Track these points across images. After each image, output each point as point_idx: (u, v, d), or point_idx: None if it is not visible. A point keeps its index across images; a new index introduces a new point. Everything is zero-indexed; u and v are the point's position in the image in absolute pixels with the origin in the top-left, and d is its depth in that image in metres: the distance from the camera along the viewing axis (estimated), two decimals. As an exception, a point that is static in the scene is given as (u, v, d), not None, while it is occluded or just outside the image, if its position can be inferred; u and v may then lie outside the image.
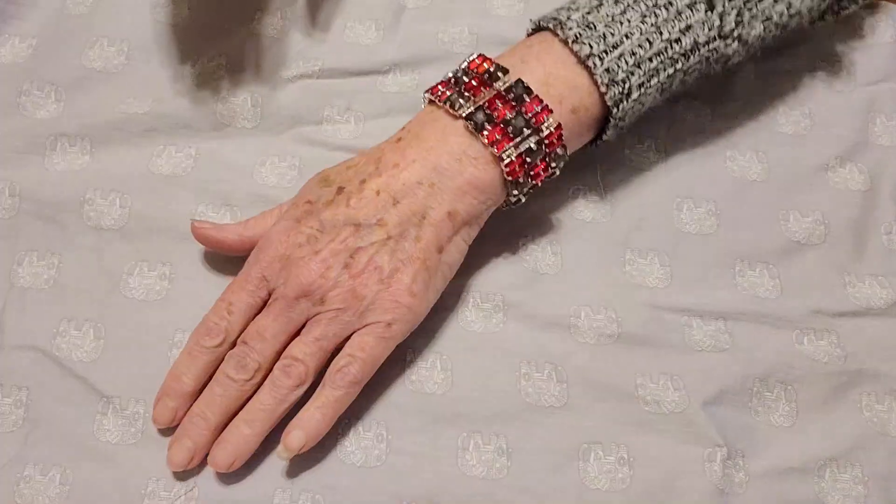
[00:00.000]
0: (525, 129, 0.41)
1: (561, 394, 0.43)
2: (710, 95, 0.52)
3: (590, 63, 0.42)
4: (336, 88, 0.51)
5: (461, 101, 0.41)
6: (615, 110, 0.43)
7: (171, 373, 0.40)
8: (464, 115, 0.41)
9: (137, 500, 0.39)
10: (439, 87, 0.43)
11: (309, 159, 0.49)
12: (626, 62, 0.42)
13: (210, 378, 0.40)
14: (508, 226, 0.47)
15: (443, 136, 0.41)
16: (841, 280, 0.47)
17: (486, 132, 0.41)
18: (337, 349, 0.40)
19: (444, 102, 0.42)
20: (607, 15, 0.42)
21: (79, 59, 0.51)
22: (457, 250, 0.42)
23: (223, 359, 0.40)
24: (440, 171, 0.41)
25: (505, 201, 0.43)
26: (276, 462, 0.40)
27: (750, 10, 0.44)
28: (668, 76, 0.43)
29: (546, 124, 0.41)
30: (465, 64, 0.43)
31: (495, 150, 0.41)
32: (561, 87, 0.42)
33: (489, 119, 0.41)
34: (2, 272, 0.44)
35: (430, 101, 0.43)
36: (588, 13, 0.42)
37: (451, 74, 0.43)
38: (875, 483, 0.42)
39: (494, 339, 0.44)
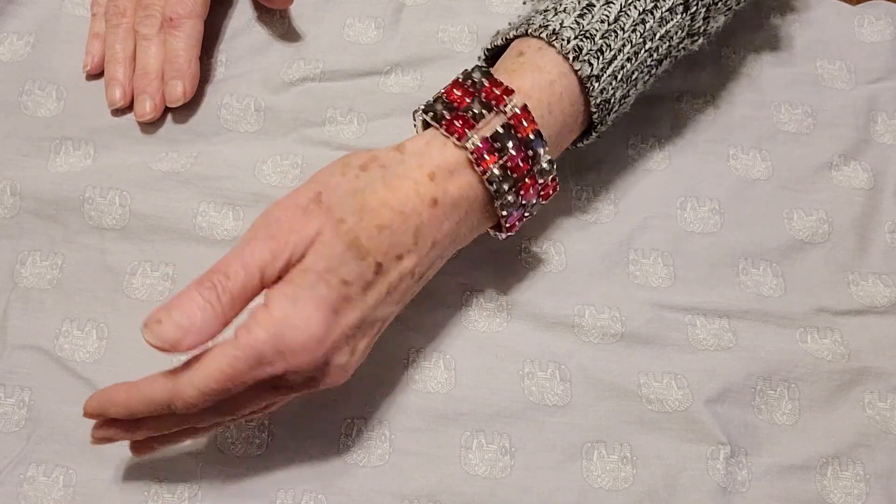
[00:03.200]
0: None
1: (564, 392, 0.43)
2: (714, 94, 0.52)
3: (588, 85, 0.39)
4: (338, 90, 0.51)
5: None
6: (600, 126, 0.42)
7: None
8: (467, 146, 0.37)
9: (141, 502, 0.39)
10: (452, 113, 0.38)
11: (311, 158, 0.48)
12: (616, 77, 0.40)
13: None
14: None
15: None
16: (844, 278, 0.47)
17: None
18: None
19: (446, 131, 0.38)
20: (601, 20, 0.40)
21: (78, 60, 0.51)
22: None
23: None
24: (456, 242, 0.39)
25: (498, 216, 0.39)
26: (278, 463, 0.40)
27: (716, 4, 0.43)
28: (644, 83, 0.43)
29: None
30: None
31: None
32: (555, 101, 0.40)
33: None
34: (5, 272, 0.44)
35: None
36: (580, 16, 0.39)
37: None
38: (876, 480, 0.42)
39: (498, 338, 0.44)
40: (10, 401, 0.41)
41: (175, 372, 0.34)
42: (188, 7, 0.48)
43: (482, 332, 0.44)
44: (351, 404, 0.42)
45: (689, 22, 0.42)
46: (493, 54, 0.43)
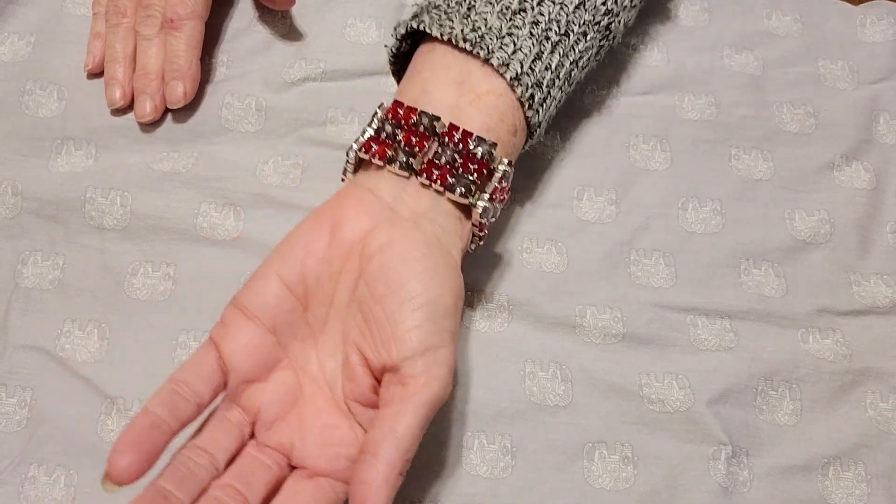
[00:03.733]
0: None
1: (565, 393, 0.43)
2: (715, 94, 0.52)
3: (534, 131, 0.42)
4: (339, 90, 0.51)
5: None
6: (529, 140, 0.43)
7: None
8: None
9: (142, 501, 0.39)
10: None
11: (312, 158, 0.48)
12: (548, 122, 0.43)
13: None
14: (513, 227, 0.47)
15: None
16: (846, 279, 0.47)
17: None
18: None
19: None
20: (546, 68, 0.41)
21: (79, 60, 0.51)
22: None
23: None
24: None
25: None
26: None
27: (623, 21, 0.46)
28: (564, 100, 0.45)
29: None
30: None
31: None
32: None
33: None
34: (6, 272, 0.44)
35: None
36: (534, 62, 0.40)
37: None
38: (878, 481, 0.42)
39: (499, 338, 0.44)
40: (11, 401, 0.41)
41: None
42: (189, 8, 0.48)
43: (483, 332, 0.44)
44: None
45: (609, 44, 0.46)
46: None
